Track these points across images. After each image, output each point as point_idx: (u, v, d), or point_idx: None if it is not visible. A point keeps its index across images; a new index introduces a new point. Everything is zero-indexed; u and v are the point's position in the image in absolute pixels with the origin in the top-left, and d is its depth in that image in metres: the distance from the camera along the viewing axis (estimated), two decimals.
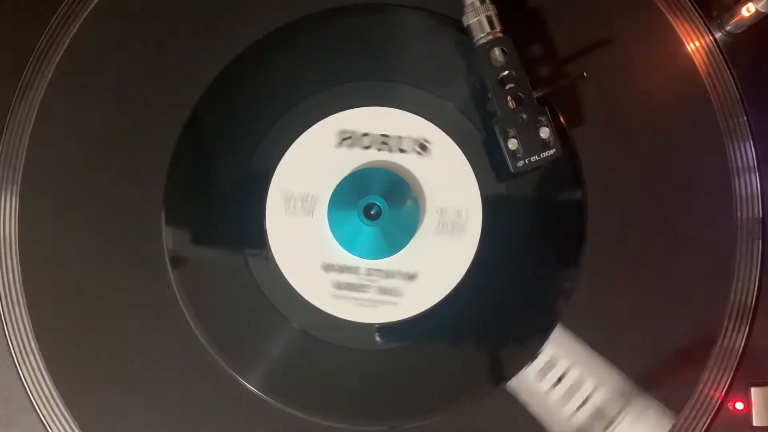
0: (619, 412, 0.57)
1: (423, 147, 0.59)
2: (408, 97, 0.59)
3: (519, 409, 0.57)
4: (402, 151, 0.59)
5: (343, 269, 0.58)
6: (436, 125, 0.59)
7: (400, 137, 0.59)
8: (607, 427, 0.56)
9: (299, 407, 0.57)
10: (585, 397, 0.57)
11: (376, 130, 0.59)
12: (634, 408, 0.56)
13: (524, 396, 0.56)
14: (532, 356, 0.57)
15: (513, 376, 0.57)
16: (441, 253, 0.58)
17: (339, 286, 0.58)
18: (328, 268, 0.58)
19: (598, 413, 0.57)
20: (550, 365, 0.57)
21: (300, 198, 0.58)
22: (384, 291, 0.58)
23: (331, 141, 0.59)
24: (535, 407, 0.56)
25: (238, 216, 0.58)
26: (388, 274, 0.58)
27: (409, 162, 0.59)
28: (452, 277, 0.58)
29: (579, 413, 0.57)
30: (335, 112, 0.59)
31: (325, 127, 0.59)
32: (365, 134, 0.59)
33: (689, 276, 0.58)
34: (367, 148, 0.59)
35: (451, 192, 0.58)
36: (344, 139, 0.59)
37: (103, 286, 0.57)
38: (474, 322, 0.58)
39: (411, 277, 0.58)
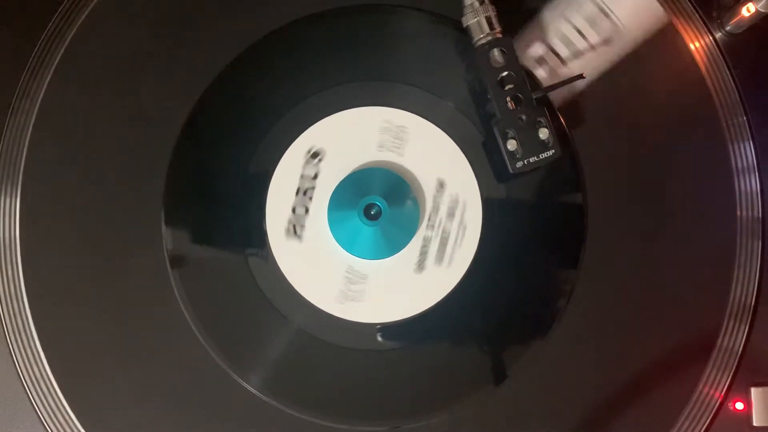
0: None
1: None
2: (408, 97, 0.59)
3: (518, 410, 0.57)
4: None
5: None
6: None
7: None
8: None
9: (299, 407, 0.57)
10: None
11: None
12: None
13: None
14: None
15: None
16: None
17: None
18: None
19: None
20: None
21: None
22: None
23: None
24: None
25: (238, 216, 0.58)
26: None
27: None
28: (452, 277, 0.58)
29: None
30: (335, 112, 0.59)
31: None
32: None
33: (689, 276, 0.58)
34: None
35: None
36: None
37: (103, 286, 0.57)
38: (474, 322, 0.58)
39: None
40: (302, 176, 0.58)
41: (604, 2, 0.54)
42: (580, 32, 0.56)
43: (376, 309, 0.57)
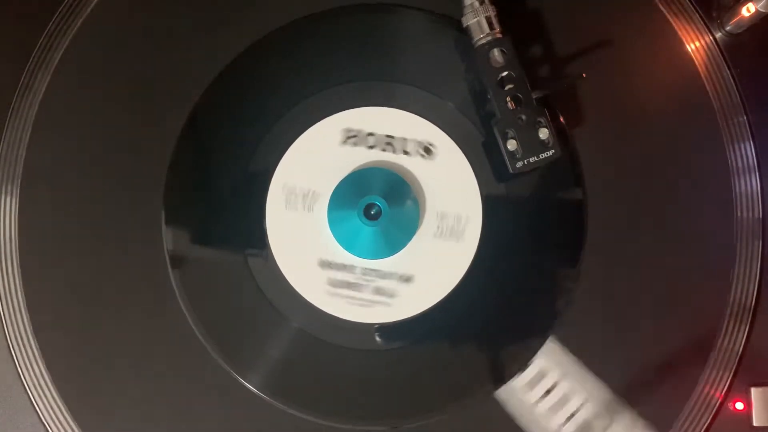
0: (606, 428, 0.56)
1: (427, 150, 0.59)
2: (411, 98, 0.59)
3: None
4: (406, 153, 0.59)
5: (341, 267, 0.58)
6: (440, 128, 0.59)
7: (404, 139, 0.59)
8: None
9: (299, 407, 0.57)
10: (573, 410, 0.56)
11: (381, 130, 0.59)
12: (621, 423, 0.56)
13: (512, 407, 0.56)
14: (522, 368, 0.57)
15: (502, 385, 0.57)
16: (440, 256, 0.58)
17: (335, 284, 0.58)
18: (325, 265, 0.58)
19: (585, 427, 0.56)
20: (539, 377, 0.57)
21: (301, 193, 0.58)
22: (380, 291, 0.58)
23: (336, 139, 0.59)
24: (523, 419, 0.56)
25: (238, 216, 0.58)
26: (385, 275, 0.58)
27: (412, 164, 0.59)
28: (452, 276, 0.58)
29: (566, 427, 0.56)
30: (336, 112, 0.59)
31: (330, 124, 0.59)
32: (370, 134, 0.59)
33: (689, 276, 0.58)
34: (372, 147, 0.59)
35: (453, 196, 0.58)
36: (349, 138, 0.59)
37: (102, 286, 0.57)
38: (474, 322, 0.58)
39: (407, 279, 0.58)
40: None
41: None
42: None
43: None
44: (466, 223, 0.58)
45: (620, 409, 0.56)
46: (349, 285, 0.58)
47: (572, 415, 0.56)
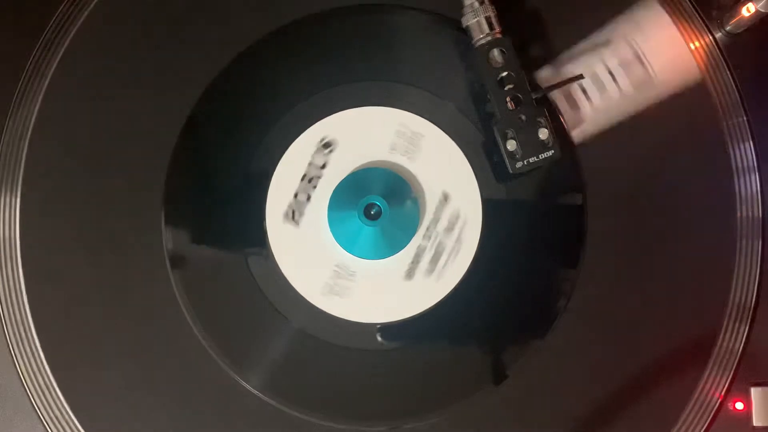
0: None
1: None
2: (411, 98, 0.59)
3: (518, 410, 0.57)
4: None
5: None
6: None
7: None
8: None
9: (299, 407, 0.57)
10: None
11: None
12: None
13: None
14: None
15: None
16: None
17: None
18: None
19: None
20: None
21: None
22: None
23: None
24: None
25: (238, 216, 0.58)
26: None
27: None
28: (452, 278, 0.58)
29: None
30: (335, 112, 0.59)
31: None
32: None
33: (689, 276, 0.58)
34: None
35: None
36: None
37: (102, 286, 0.57)
38: (474, 322, 0.58)
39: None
40: (299, 182, 0.58)
41: (641, 50, 0.54)
42: (612, 74, 0.56)
43: (371, 309, 0.57)
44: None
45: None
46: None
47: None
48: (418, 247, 0.58)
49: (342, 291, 0.58)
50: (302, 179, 0.58)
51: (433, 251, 0.58)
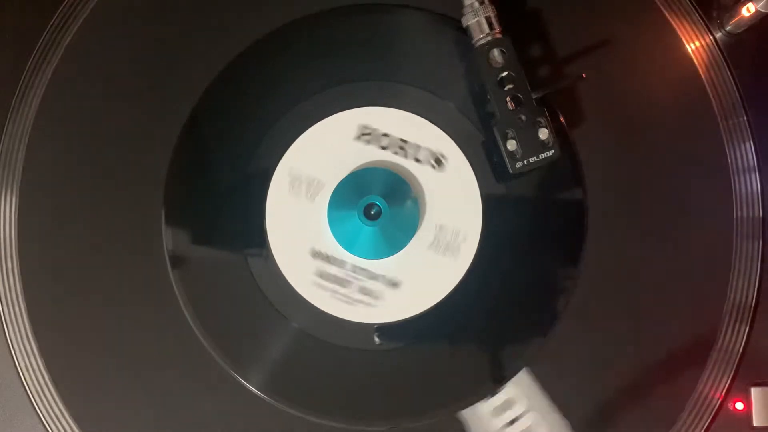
0: None
1: (438, 161, 0.59)
2: (407, 97, 0.59)
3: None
4: (417, 160, 0.59)
5: (340, 267, 0.58)
6: (438, 126, 0.59)
7: (418, 146, 0.59)
8: None
9: (299, 407, 0.57)
10: None
11: (397, 133, 0.59)
12: None
13: (473, 426, 0.56)
14: (492, 392, 0.57)
15: (468, 406, 0.57)
16: (432, 267, 0.58)
17: (324, 276, 0.57)
18: (317, 256, 0.58)
19: None
20: (507, 404, 0.57)
21: (306, 181, 0.58)
22: (366, 292, 0.58)
23: (350, 134, 0.59)
24: None
25: (238, 216, 0.58)
26: (385, 274, 0.58)
27: (420, 172, 0.58)
28: (452, 277, 0.58)
29: None
30: (335, 113, 0.59)
31: (325, 126, 0.59)
32: (385, 134, 0.59)
33: (689, 276, 0.58)
34: (384, 148, 0.59)
35: (454, 204, 0.58)
36: (363, 135, 0.59)
37: (102, 286, 0.57)
38: (474, 322, 0.58)
39: (395, 284, 0.58)
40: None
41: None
42: None
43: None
44: (463, 240, 0.58)
45: None
46: (338, 280, 0.57)
47: None
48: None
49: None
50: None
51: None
